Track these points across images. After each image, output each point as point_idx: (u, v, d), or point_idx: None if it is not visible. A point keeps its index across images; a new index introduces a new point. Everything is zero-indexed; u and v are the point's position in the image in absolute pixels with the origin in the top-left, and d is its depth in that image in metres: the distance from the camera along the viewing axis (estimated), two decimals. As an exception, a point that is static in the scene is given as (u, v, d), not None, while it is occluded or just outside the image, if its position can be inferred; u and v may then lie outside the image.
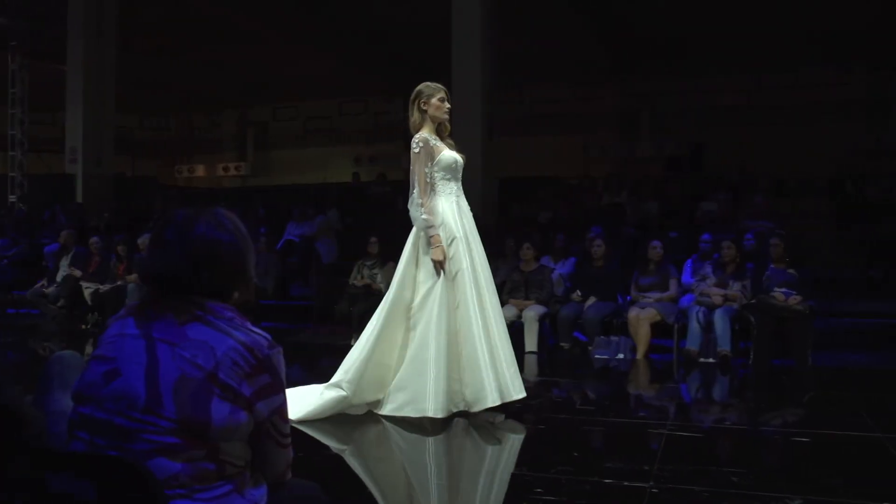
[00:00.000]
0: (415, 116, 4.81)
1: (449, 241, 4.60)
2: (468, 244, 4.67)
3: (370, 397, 4.58)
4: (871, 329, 7.54)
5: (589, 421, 4.70)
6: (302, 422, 4.28)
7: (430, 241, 4.59)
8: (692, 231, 9.15)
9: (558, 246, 8.74)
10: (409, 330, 4.64)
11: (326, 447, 4.08)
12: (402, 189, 14.81)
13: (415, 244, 4.72)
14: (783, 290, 6.87)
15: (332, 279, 9.79)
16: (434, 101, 4.77)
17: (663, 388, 6.49)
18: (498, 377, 4.51)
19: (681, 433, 4.36)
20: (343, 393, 4.47)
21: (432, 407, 4.38)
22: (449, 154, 4.78)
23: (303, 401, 4.47)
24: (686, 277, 7.62)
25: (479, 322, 4.55)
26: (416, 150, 4.71)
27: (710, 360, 6.85)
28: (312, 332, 9.07)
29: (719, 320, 6.86)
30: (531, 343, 7.42)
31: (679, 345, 7.17)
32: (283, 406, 1.75)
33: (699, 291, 7.23)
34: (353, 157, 20.41)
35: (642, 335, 7.14)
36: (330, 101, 20.79)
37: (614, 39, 15.71)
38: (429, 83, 4.83)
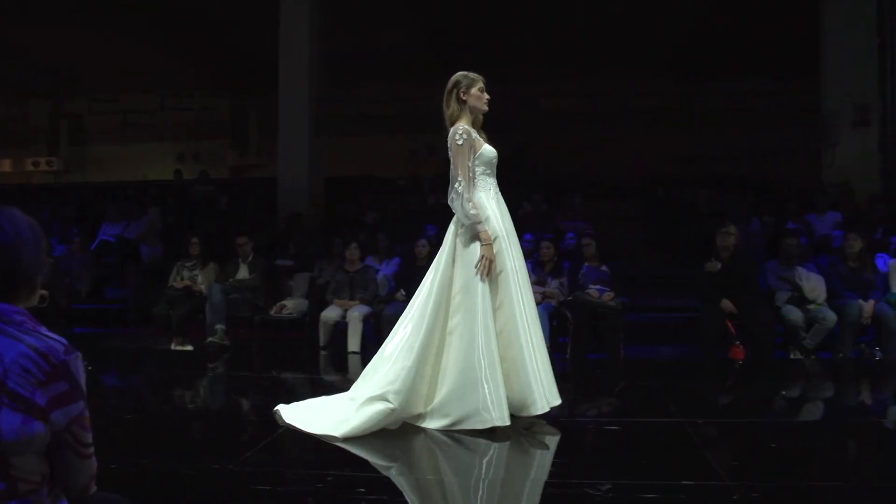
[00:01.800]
0: (452, 107, 4.53)
1: (493, 239, 4.30)
2: (509, 243, 4.40)
3: (416, 410, 4.23)
4: (676, 323, 8.06)
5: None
6: (346, 440, 3.96)
7: (477, 238, 4.27)
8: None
9: (382, 246, 8.78)
10: (447, 334, 4.29)
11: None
12: (226, 187, 14.54)
13: (453, 241, 4.40)
14: (597, 287, 7.24)
15: (150, 281, 9.42)
16: (474, 90, 4.53)
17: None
18: (543, 383, 4.29)
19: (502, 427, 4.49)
20: (391, 405, 4.08)
21: (497, 416, 4.05)
22: (489, 148, 4.54)
23: (338, 416, 4.14)
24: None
25: (525, 325, 4.27)
26: (460, 142, 4.39)
27: (531, 355, 7.09)
28: (129, 336, 8.70)
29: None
30: (354, 343, 7.43)
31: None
32: (82, 414, 1.66)
33: (518, 289, 7.47)
34: (176, 154, 19.65)
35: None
36: (152, 95, 19.90)
37: (442, 41, 15.95)
38: (466, 73, 4.58)
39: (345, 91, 17.12)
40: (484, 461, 3.79)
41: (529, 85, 16.89)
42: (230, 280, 8.31)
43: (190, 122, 19.85)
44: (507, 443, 4.01)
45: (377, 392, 4.11)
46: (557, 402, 4.38)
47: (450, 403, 4.17)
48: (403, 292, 7.76)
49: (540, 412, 4.22)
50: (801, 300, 7.13)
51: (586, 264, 7.58)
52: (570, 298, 7.35)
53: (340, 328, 7.68)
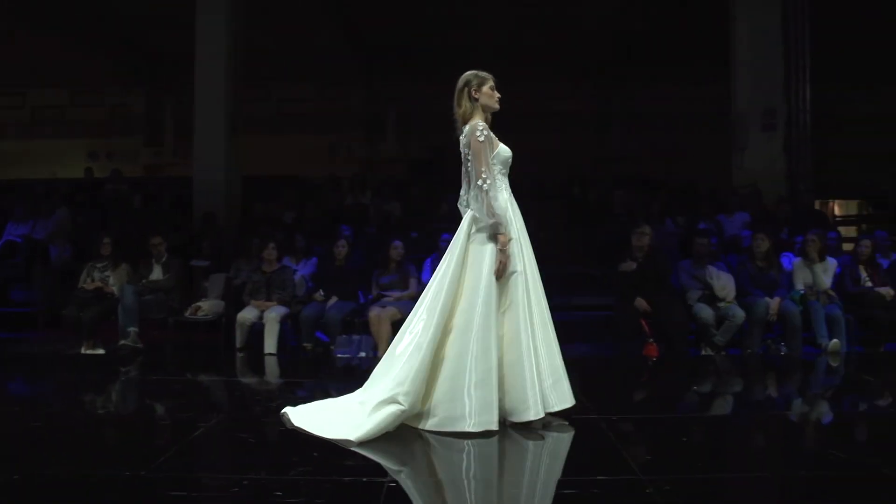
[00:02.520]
0: (464, 106, 4.48)
1: (507, 241, 4.27)
2: (521, 245, 4.36)
3: (417, 410, 4.15)
4: (592, 321, 8.19)
5: (330, 420, 4.70)
6: (362, 443, 3.88)
7: (493, 238, 4.24)
8: (433, 231, 9.45)
9: (299, 246, 8.69)
10: (447, 333, 4.21)
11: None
12: (140, 186, 14.18)
13: (465, 242, 4.33)
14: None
15: (59, 282, 9.12)
16: (485, 89, 4.50)
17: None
18: (543, 389, 4.22)
19: (416, 427, 4.49)
20: (402, 407, 4.02)
21: (485, 420, 4.04)
22: (506, 147, 4.50)
23: (351, 421, 4.05)
24: (425, 275, 7.87)
25: (529, 329, 4.22)
26: (482, 139, 4.31)
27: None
28: (37, 340, 8.41)
29: (456, 317, 7.16)
30: (271, 345, 7.34)
31: (420, 341, 7.38)
32: None
33: (436, 289, 7.51)
34: (88, 151, 19.05)
35: (383, 333, 7.27)
36: (61, 90, 19.25)
37: (362, 40, 15.91)
38: (477, 71, 4.56)
39: (263, 89, 16.93)
40: (421, 459, 3.79)
41: (448, 86, 16.95)
42: (143, 281, 8.13)
43: (102, 118, 19.27)
44: (453, 442, 4.00)
45: (387, 395, 4.06)
46: (569, 404, 4.34)
47: (440, 405, 4.14)
48: (322, 293, 7.71)
49: (532, 418, 4.15)
50: (711, 298, 7.35)
51: (503, 264, 7.64)
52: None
53: (257, 329, 7.58)
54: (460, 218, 4.55)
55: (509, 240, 4.25)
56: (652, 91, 16.86)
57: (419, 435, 4.09)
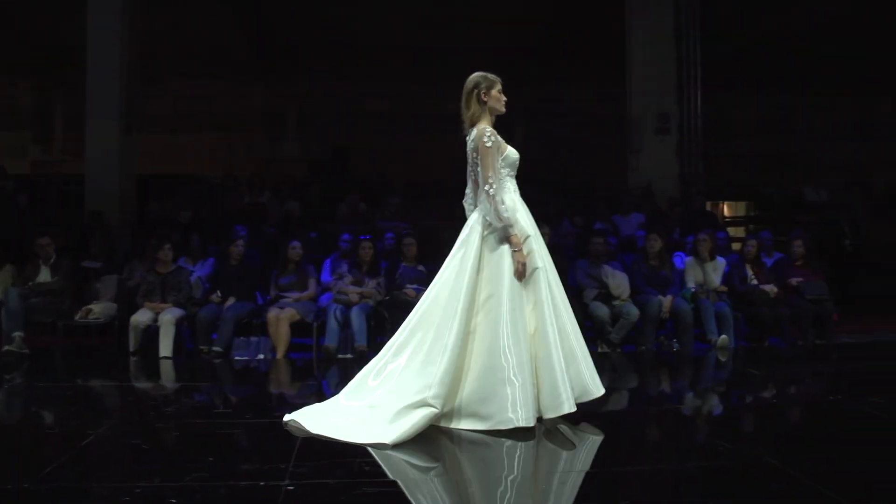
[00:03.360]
0: (473, 108, 4.52)
1: (523, 240, 4.32)
2: (538, 242, 4.42)
3: (448, 409, 4.17)
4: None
5: (227, 424, 4.61)
6: (396, 445, 3.87)
7: (507, 240, 4.28)
8: (332, 231, 9.39)
9: (195, 246, 8.49)
10: (468, 333, 4.22)
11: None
12: (26, 184, 13.59)
13: (479, 242, 4.35)
14: (414, 286, 7.33)
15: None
16: (494, 92, 4.55)
17: (304, 385, 6.59)
18: (572, 381, 4.27)
19: (319, 429, 4.46)
20: (434, 409, 4.05)
21: (523, 416, 4.06)
22: (513, 150, 4.54)
23: (376, 425, 4.01)
24: (325, 276, 7.82)
25: (555, 324, 4.27)
26: (489, 144, 4.37)
27: (349, 355, 7.11)
28: None
29: (356, 317, 7.14)
30: (166, 348, 7.14)
31: (319, 342, 7.33)
32: None
33: (337, 290, 7.46)
34: (-31, 147, 18.16)
35: (282, 335, 7.20)
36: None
37: (262, 38, 15.67)
38: (485, 74, 4.59)
39: (159, 85, 16.46)
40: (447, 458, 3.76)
41: (350, 86, 16.90)
42: (29, 283, 7.78)
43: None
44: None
45: (415, 398, 4.07)
46: (600, 392, 4.42)
47: (473, 404, 4.16)
48: (219, 294, 7.55)
49: (567, 411, 4.20)
50: (607, 297, 7.53)
51: (403, 264, 7.67)
52: (387, 298, 7.41)
53: (152, 332, 7.36)
54: (459, 217, 4.60)
55: (525, 238, 4.35)
56: (551, 93, 17.15)
57: (446, 434, 4.12)
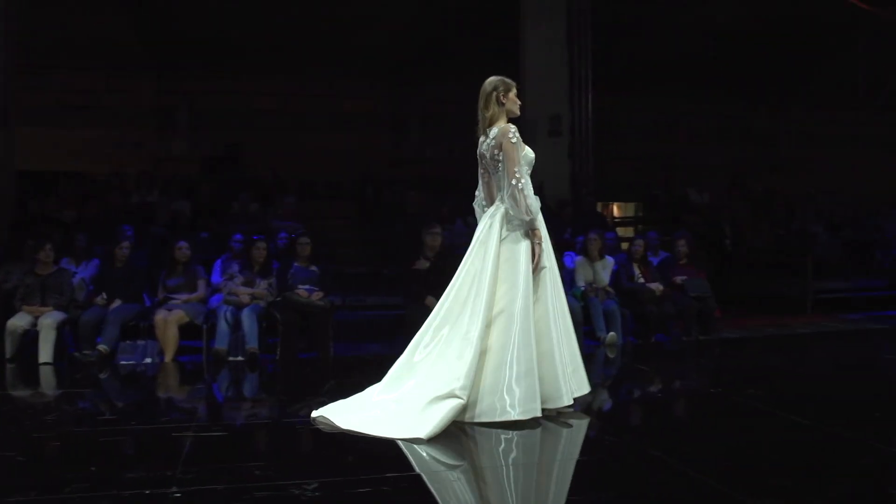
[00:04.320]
0: (493, 110, 4.66)
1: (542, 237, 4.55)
2: (547, 243, 4.62)
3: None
4: (384, 319, 8.27)
5: (111, 431, 4.46)
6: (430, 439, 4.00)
7: (526, 234, 4.50)
8: (224, 231, 9.21)
9: (79, 246, 8.17)
10: (488, 329, 4.38)
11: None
12: None
13: (498, 241, 4.51)
14: (306, 286, 7.27)
15: None
16: (511, 95, 4.70)
17: (193, 389, 6.45)
18: (569, 376, 4.52)
19: (208, 433, 4.37)
20: (462, 401, 4.21)
21: (539, 405, 4.32)
22: (530, 150, 4.68)
23: (402, 420, 4.15)
24: (215, 277, 7.66)
25: (557, 320, 4.53)
26: (514, 141, 4.52)
27: (240, 357, 6.98)
28: None
29: (247, 318, 7.01)
30: (46, 353, 6.82)
31: (208, 345, 7.17)
32: None
33: (227, 291, 7.32)
34: None
35: (170, 337, 7.01)
36: None
37: (152, 31, 15.20)
38: (503, 78, 4.75)
39: (42, 77, 15.76)
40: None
41: (244, 83, 16.58)
42: None
43: None
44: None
45: (444, 391, 4.22)
46: (586, 390, 4.70)
47: (484, 396, 4.32)
48: (104, 296, 7.30)
49: (566, 404, 4.46)
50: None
51: (296, 264, 7.58)
52: (279, 299, 7.32)
53: (30, 337, 7.04)
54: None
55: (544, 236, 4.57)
56: (446, 94, 17.23)
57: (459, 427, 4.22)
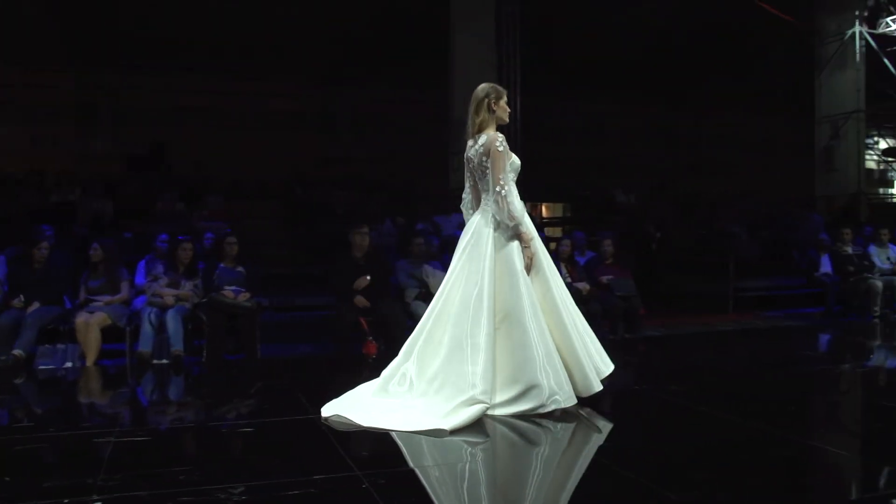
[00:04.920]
0: (483, 116, 4.79)
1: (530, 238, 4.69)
2: (539, 243, 4.79)
3: None
4: (312, 320, 8.21)
5: (28, 439, 4.32)
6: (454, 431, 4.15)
7: (518, 238, 4.64)
8: (148, 231, 9.02)
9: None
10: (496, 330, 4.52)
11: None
12: None
13: (491, 242, 4.65)
14: (233, 287, 7.17)
15: None
16: (502, 103, 4.83)
17: (116, 394, 6.28)
18: (593, 363, 4.73)
19: (131, 439, 4.27)
20: (485, 404, 4.36)
21: (565, 397, 4.50)
22: (517, 157, 4.82)
23: (428, 417, 4.27)
24: (139, 279, 7.50)
25: (569, 312, 4.72)
26: (501, 149, 4.66)
27: (164, 360, 6.85)
28: None
29: (171, 320, 6.88)
30: (-43, 359, 6.60)
31: (132, 348, 7.01)
32: None
33: (151, 292, 7.18)
34: None
35: (92, 340, 6.83)
36: None
37: (73, 25, 14.79)
38: (494, 85, 4.88)
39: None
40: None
41: (169, 79, 16.27)
42: None
43: None
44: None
45: (464, 397, 4.32)
46: (611, 367, 4.88)
47: (510, 391, 4.46)
48: (21, 298, 7.06)
49: (598, 389, 4.67)
50: (428, 296, 7.61)
51: (222, 265, 7.47)
52: (205, 300, 7.20)
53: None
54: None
55: (531, 237, 4.69)
56: (375, 94, 17.22)
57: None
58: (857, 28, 16.34)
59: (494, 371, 4.47)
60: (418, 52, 14.48)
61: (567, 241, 8.81)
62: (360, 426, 4.30)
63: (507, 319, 4.55)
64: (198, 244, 8.14)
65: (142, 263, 7.66)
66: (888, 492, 3.44)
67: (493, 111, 4.81)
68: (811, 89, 17.26)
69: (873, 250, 10.61)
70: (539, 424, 4.35)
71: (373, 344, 7.09)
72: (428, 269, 7.78)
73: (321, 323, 7.82)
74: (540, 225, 13.14)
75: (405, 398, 4.54)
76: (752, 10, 15.34)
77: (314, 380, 6.19)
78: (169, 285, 7.25)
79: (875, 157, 21.33)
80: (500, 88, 4.89)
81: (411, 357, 4.68)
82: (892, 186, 22.30)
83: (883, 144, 21.87)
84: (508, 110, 4.91)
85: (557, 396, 4.48)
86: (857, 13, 16.36)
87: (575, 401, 4.56)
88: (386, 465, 3.69)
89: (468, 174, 4.96)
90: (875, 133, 21.16)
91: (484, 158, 4.73)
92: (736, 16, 15.93)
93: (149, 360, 6.83)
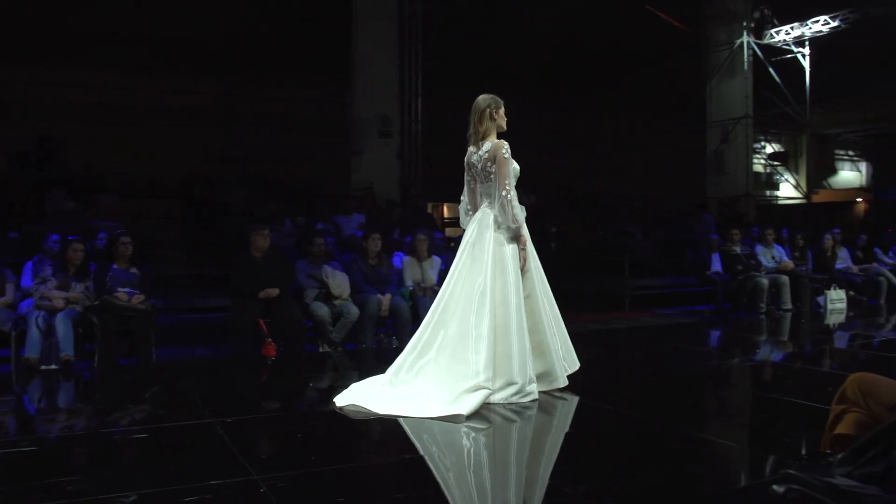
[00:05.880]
0: (486, 125, 5.18)
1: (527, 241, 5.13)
2: (531, 245, 5.18)
3: None
4: (210, 322, 8.02)
5: None
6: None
7: (516, 239, 5.04)
8: (36, 231, 8.66)
9: None
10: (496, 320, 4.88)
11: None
12: None
13: (493, 241, 5.00)
14: (126, 289, 6.95)
15: None
16: (501, 112, 5.23)
17: (1, 402, 6.03)
18: (563, 359, 5.17)
19: (15, 449, 4.10)
20: (488, 390, 4.70)
21: (531, 390, 4.86)
22: (516, 164, 5.18)
23: (437, 405, 4.56)
24: (25, 281, 7.19)
25: (547, 311, 5.15)
26: (507, 156, 5.05)
27: (53, 366, 6.58)
28: None
29: (61, 324, 6.61)
30: None
31: (18, 354, 6.71)
32: None
33: (39, 295, 6.89)
34: None
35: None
36: None
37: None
38: (493, 96, 5.24)
39: None
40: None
41: (58, 72, 15.64)
42: None
43: None
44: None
45: (469, 384, 4.65)
46: (577, 365, 5.29)
47: (513, 376, 4.81)
48: None
49: (563, 385, 5.10)
50: (327, 296, 7.58)
51: (115, 266, 7.22)
52: (96, 303, 6.96)
53: None
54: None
55: (527, 240, 5.12)
56: (277, 92, 16.96)
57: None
58: (745, 38, 17.03)
59: (495, 360, 4.80)
60: (320, 50, 14.36)
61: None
62: (376, 414, 4.57)
63: (498, 316, 4.89)
64: (89, 244, 7.86)
65: (28, 265, 7.34)
66: (771, 479, 3.60)
67: (494, 119, 5.20)
68: (703, 95, 17.91)
69: (760, 250, 11.06)
70: (440, 421, 4.39)
71: (272, 346, 7.01)
72: (328, 269, 7.72)
73: (219, 325, 7.65)
74: (441, 225, 13.25)
75: (413, 385, 4.87)
76: (648, 18, 15.82)
77: (211, 383, 6.08)
78: (58, 287, 6.97)
79: (762, 161, 22.24)
80: (498, 99, 5.25)
81: (417, 348, 5.01)
82: (778, 189, 23.29)
83: (769, 149, 22.85)
84: (505, 119, 5.27)
85: (528, 388, 4.83)
86: (745, 24, 17.05)
87: (536, 396, 4.87)
88: (283, 469, 3.64)
89: (468, 177, 5.33)
90: (762, 138, 22.09)
91: (489, 164, 5.10)
92: (633, 23, 16.38)
93: (36, 365, 6.55)
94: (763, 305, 10.36)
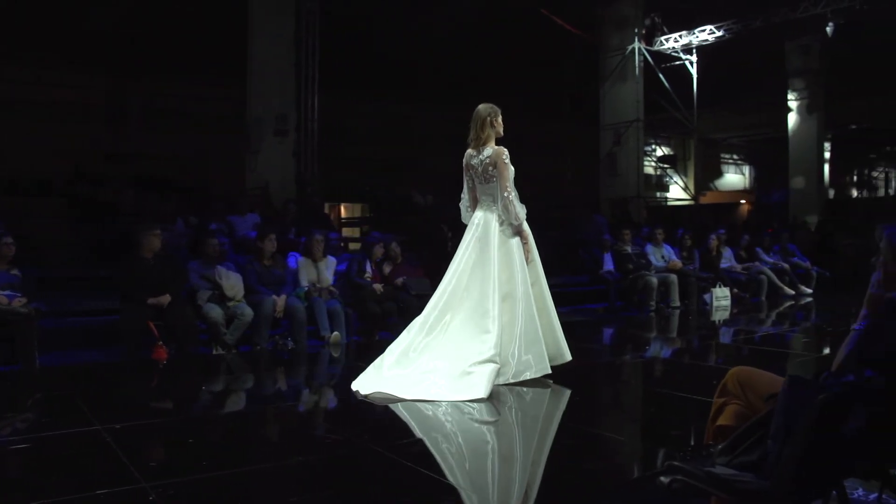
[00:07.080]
0: (488, 132, 5.75)
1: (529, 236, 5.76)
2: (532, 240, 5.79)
3: None
4: (97, 325, 7.75)
5: None
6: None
7: (519, 235, 5.67)
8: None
9: None
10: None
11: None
12: None
13: (497, 235, 5.62)
14: (6, 292, 6.65)
15: None
16: (499, 119, 5.79)
17: None
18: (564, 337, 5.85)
19: None
20: (497, 365, 5.24)
21: (549, 364, 5.55)
22: (512, 167, 5.73)
23: (458, 383, 5.06)
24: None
25: (550, 297, 5.81)
26: (507, 161, 5.68)
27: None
28: None
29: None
30: None
31: None
32: None
33: None
34: None
35: None
36: None
37: None
38: (492, 105, 5.80)
39: None
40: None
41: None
42: None
43: None
44: None
45: (484, 357, 5.20)
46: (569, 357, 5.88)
47: (519, 357, 5.45)
48: None
49: (568, 359, 5.81)
50: (221, 297, 7.43)
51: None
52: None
53: None
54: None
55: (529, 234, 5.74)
56: (170, 89, 16.53)
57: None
58: (637, 44, 17.54)
59: (501, 339, 5.34)
60: (215, 46, 14.07)
61: (381, 245, 8.85)
62: (404, 399, 4.98)
63: (504, 300, 5.46)
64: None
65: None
66: (658, 470, 3.74)
67: (494, 126, 5.76)
68: (597, 98, 18.35)
69: (650, 249, 11.42)
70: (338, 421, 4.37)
71: (163, 349, 6.83)
72: (221, 269, 7.55)
73: (107, 328, 7.39)
74: (338, 225, 13.18)
75: (421, 362, 5.31)
76: (544, 22, 16.12)
77: (98, 389, 5.92)
78: (-68, 290, 6.63)
79: (652, 164, 22.98)
80: (496, 108, 5.80)
81: (426, 328, 5.48)
82: (668, 190, 24.11)
83: (659, 152, 23.63)
84: (503, 125, 5.80)
85: (527, 373, 5.43)
86: (636, 30, 17.56)
87: (549, 370, 5.51)
88: (173, 475, 3.57)
89: (467, 178, 5.87)
90: (653, 141, 22.82)
91: (490, 168, 5.69)
92: (529, 25, 16.65)
93: None
94: (653, 303, 10.70)
